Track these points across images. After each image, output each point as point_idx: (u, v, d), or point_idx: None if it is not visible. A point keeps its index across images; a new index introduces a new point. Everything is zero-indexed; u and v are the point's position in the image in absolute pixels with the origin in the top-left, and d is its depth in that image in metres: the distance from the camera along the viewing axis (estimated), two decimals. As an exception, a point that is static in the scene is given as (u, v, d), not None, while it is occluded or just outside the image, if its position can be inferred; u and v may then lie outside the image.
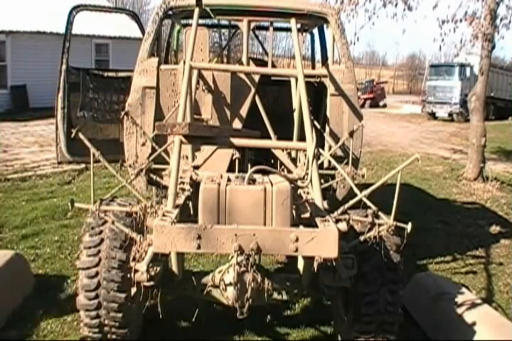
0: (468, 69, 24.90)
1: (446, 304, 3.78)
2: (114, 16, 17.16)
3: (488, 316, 3.60)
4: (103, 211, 2.94)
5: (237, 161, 3.97)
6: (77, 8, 5.43)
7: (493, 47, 9.63)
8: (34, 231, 5.73)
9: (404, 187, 7.81)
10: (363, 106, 28.18)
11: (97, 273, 2.97)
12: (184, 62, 3.62)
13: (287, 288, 3.18)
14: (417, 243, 5.35)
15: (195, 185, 3.29)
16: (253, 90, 4.24)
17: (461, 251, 5.82)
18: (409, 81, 57.13)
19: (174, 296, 3.75)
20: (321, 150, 4.24)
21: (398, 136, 17.44)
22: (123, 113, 4.10)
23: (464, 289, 4.01)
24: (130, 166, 4.10)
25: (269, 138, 4.13)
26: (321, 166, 4.02)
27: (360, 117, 4.32)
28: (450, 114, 25.13)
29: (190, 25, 4.64)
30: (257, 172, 2.71)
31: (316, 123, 4.29)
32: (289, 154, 4.29)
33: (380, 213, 2.98)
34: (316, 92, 4.76)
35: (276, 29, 5.89)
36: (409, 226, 2.67)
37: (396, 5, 9.26)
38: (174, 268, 3.11)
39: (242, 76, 4.21)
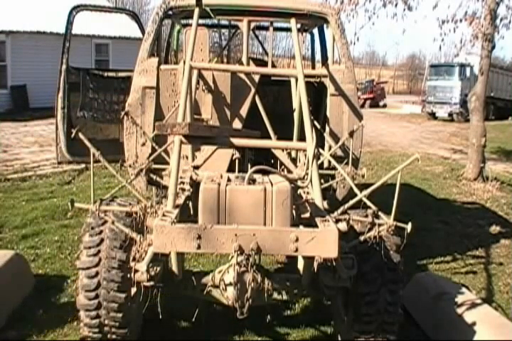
0: (468, 69, 24.89)
1: (446, 304, 3.78)
2: (114, 16, 17.16)
3: (488, 316, 3.60)
4: (103, 211, 2.94)
5: (237, 161, 3.97)
6: (77, 8, 5.44)
7: (493, 47, 9.64)
8: (34, 231, 5.73)
9: (404, 187, 7.81)
10: (363, 106, 28.18)
11: (97, 273, 2.97)
12: (184, 62, 3.62)
13: (287, 288, 3.18)
14: (417, 243, 5.34)
15: (195, 185, 3.29)
16: (253, 90, 4.24)
17: (461, 251, 5.82)
18: (409, 81, 57.10)
19: (174, 296, 3.75)
20: (321, 150, 4.24)
21: (398, 136, 17.44)
22: (123, 113, 4.10)
23: (463, 289, 4.01)
24: (130, 166, 4.11)
25: (269, 138, 4.13)
26: (321, 166, 4.02)
27: (360, 117, 4.32)
28: (450, 114, 25.12)
29: (190, 25, 4.64)
30: (257, 172, 2.71)
31: (316, 123, 4.29)
32: (289, 154, 4.29)
33: (380, 213, 2.97)
34: (316, 92, 4.76)
35: (276, 29, 5.89)
36: (409, 226, 2.67)
37: (396, 5, 9.26)
38: (174, 268, 3.11)
39: (242, 76, 4.20)
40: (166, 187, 3.74)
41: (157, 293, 3.08)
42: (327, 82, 4.31)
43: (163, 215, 2.57)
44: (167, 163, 3.80)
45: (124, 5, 38.39)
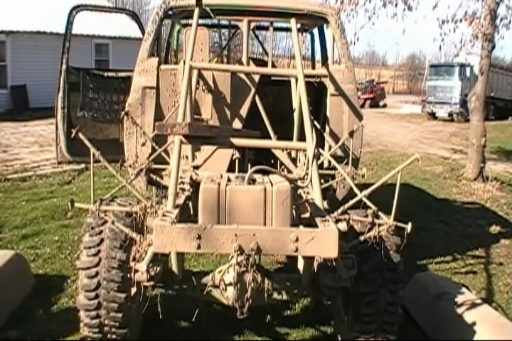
0: (468, 69, 24.89)
1: (446, 304, 3.78)
2: (114, 16, 17.16)
3: (488, 316, 3.60)
4: (103, 211, 2.94)
5: (237, 161, 3.97)
6: (77, 8, 5.44)
7: (493, 47, 9.64)
8: (34, 231, 5.73)
9: (404, 187, 7.81)
10: (363, 106, 28.18)
11: (97, 273, 2.97)
12: (184, 62, 3.62)
13: (287, 288, 3.18)
14: (417, 243, 5.34)
15: (195, 185, 3.29)
16: (253, 90, 4.23)
17: (461, 251, 5.82)
18: (409, 81, 57.10)
19: (174, 296, 3.75)
20: (321, 150, 4.24)
21: (398, 136, 17.44)
22: (123, 113, 4.10)
23: (463, 289, 4.01)
24: (130, 166, 4.11)
25: (269, 138, 4.13)
26: (321, 166, 4.02)
27: (360, 117, 4.32)
28: (450, 114, 25.12)
29: (190, 25, 4.64)
30: (257, 172, 2.71)
31: (316, 123, 4.29)
32: (289, 154, 4.29)
33: (380, 213, 2.97)
34: (316, 92, 4.76)
35: (276, 29, 5.89)
36: (409, 226, 2.67)
37: (396, 5, 9.27)
38: (174, 268, 3.11)
39: (242, 76, 4.20)
40: (166, 187, 3.74)
41: (157, 293, 3.08)
42: (327, 82, 4.31)
43: (163, 215, 2.57)
44: (167, 163, 3.80)
45: (124, 5, 38.40)
